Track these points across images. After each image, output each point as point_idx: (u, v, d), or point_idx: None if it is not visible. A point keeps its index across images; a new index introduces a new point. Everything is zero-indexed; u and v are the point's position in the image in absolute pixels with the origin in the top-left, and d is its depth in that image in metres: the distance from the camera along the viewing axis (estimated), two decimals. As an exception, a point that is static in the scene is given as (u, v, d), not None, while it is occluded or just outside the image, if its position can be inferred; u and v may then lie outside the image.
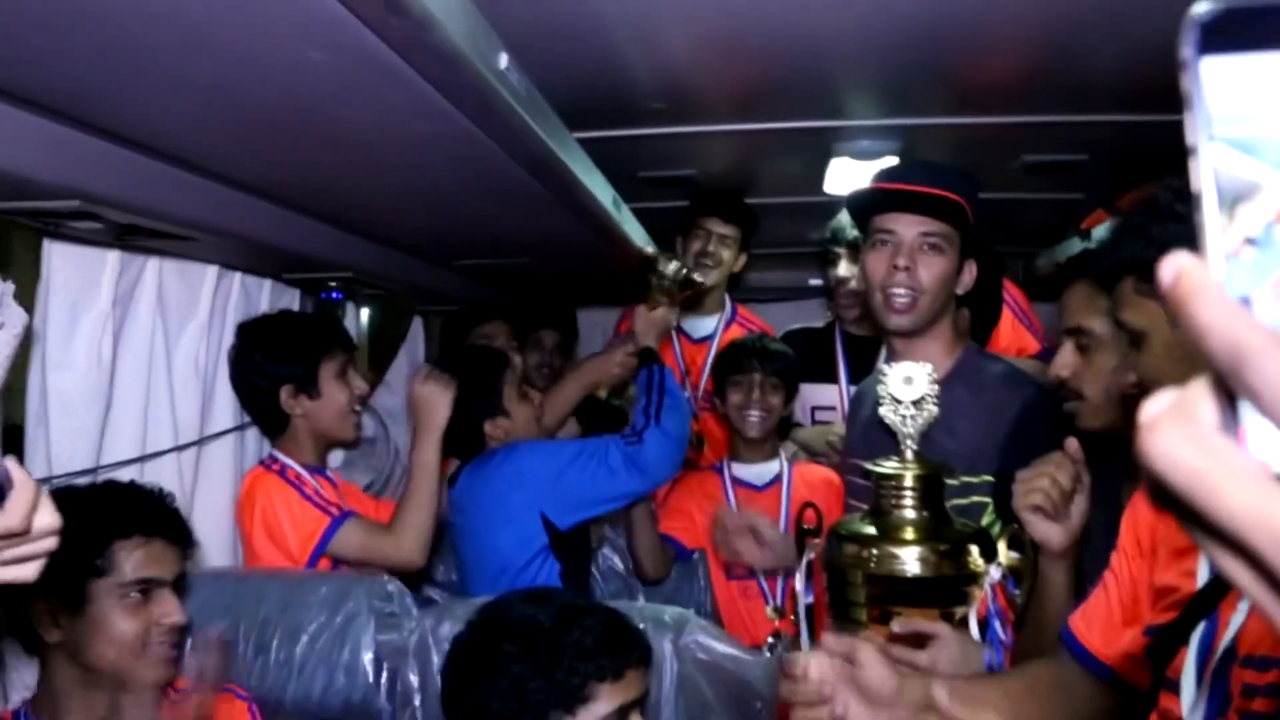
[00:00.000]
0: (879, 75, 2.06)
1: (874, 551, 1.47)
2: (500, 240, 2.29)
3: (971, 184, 1.89)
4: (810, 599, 1.58)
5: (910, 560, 1.44)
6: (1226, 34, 0.35)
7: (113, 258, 1.78)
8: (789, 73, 2.00)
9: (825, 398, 2.96)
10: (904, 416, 1.49)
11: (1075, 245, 3.02)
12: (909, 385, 1.49)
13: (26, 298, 1.67)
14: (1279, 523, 0.33)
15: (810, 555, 1.57)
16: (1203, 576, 1.18)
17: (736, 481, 2.60)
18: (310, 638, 1.88)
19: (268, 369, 2.12)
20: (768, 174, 2.88)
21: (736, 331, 3.07)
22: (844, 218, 2.93)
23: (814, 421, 2.99)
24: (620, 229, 2.21)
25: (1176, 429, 0.35)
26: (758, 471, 2.59)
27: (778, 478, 2.58)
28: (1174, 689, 1.17)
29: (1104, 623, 1.34)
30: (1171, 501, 0.36)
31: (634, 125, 2.28)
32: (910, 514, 1.47)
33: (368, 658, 1.84)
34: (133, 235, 1.62)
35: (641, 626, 1.79)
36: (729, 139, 2.43)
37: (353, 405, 2.19)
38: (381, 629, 1.85)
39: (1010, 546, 1.45)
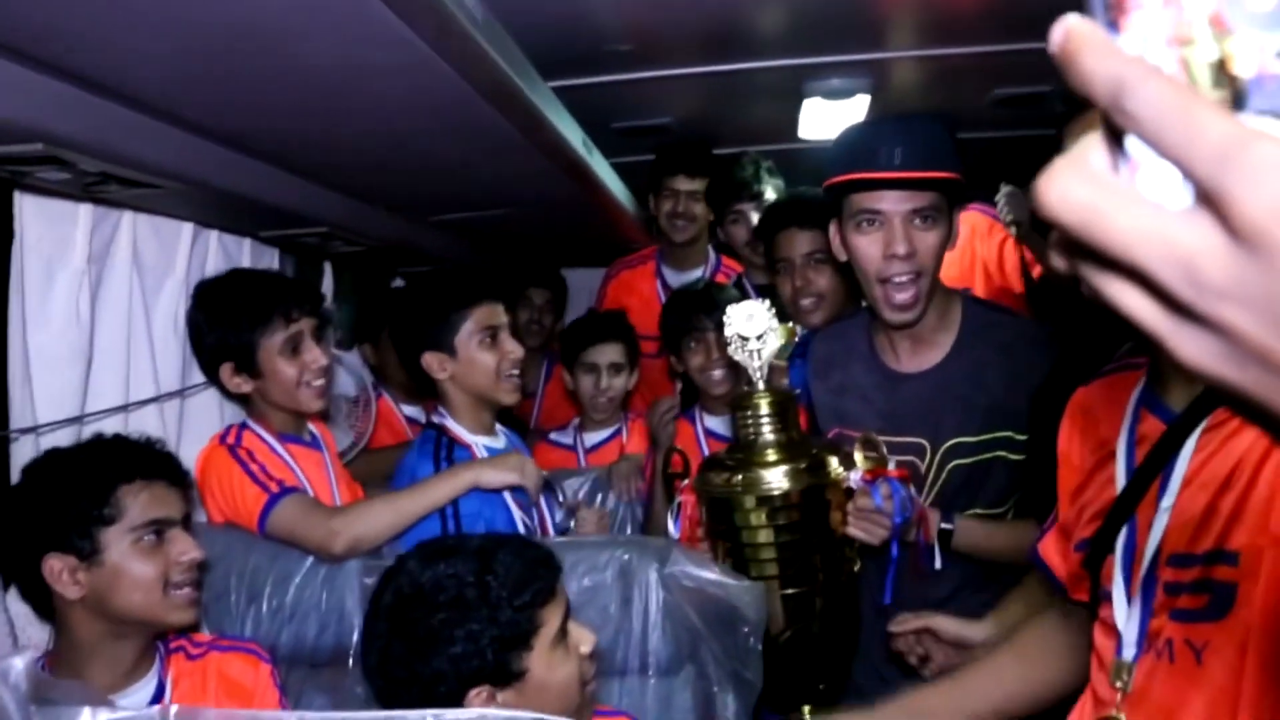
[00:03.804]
0: (847, 6, 2.06)
1: (740, 477, 1.62)
2: (474, 190, 2.30)
3: (952, 135, 1.77)
4: (676, 537, 1.77)
5: (777, 479, 1.59)
6: None
7: (84, 213, 1.78)
8: (755, 7, 2.01)
9: None
10: (751, 352, 1.62)
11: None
12: (752, 322, 1.62)
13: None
14: (1168, 236, 0.34)
15: (680, 499, 1.72)
16: (1120, 482, 1.21)
17: (709, 433, 2.61)
18: (300, 585, 1.90)
19: (207, 340, 2.03)
20: (742, 120, 2.88)
21: (722, 282, 3.08)
22: (749, 168, 2.93)
23: None
24: (593, 172, 2.22)
25: (1069, 172, 0.37)
26: (727, 421, 2.61)
27: None
28: (1109, 599, 1.20)
29: (1056, 537, 1.39)
30: (1073, 248, 0.37)
31: (602, 71, 2.29)
32: (770, 436, 1.62)
33: (355, 600, 1.87)
34: (101, 186, 1.62)
35: (626, 556, 1.82)
36: (699, 82, 2.43)
37: (305, 379, 2.03)
38: (368, 572, 1.87)
39: (866, 447, 1.61)
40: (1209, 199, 0.33)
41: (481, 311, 2.10)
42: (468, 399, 2.13)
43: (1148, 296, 0.36)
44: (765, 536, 1.63)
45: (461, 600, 1.33)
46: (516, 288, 3.32)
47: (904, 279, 1.69)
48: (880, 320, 1.81)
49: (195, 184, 1.73)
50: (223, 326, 2.01)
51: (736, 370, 2.57)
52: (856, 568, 1.71)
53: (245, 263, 2.33)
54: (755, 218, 2.88)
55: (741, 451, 1.66)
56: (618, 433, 2.86)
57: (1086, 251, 0.37)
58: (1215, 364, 0.36)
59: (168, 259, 2.06)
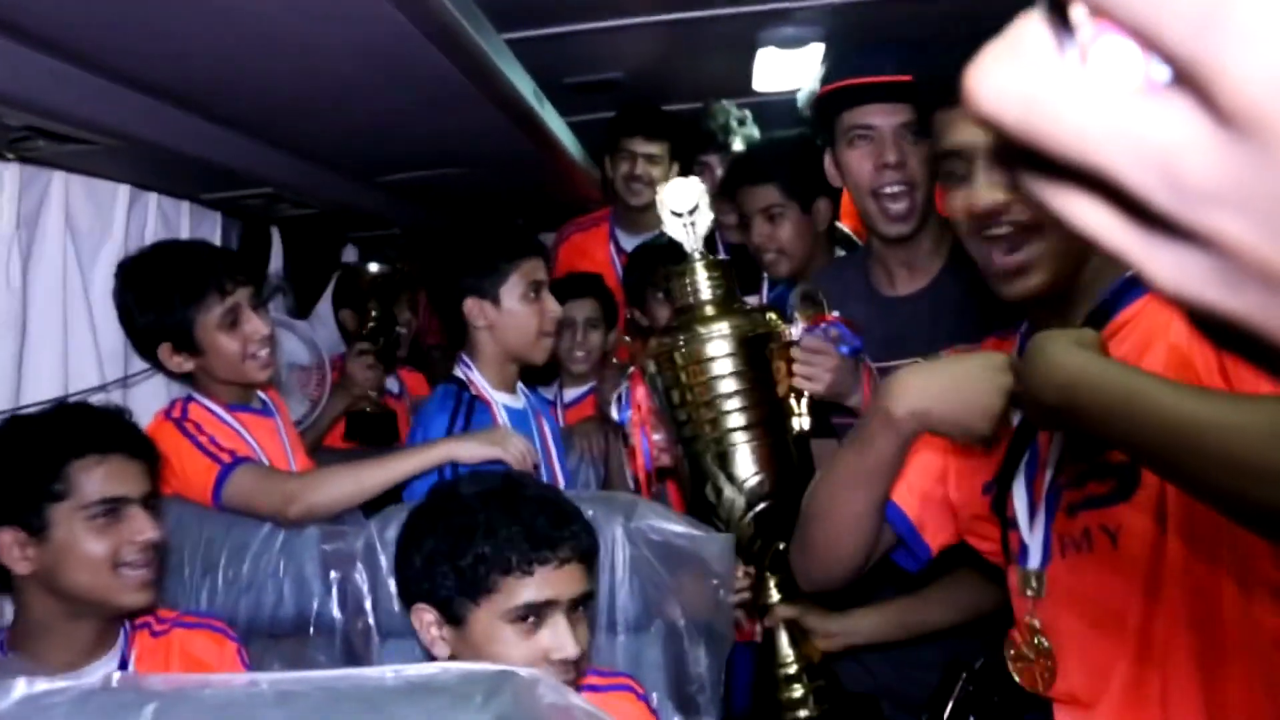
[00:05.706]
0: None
1: (682, 338, 1.66)
2: (424, 146, 2.23)
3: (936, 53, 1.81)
4: (627, 415, 1.79)
5: (719, 329, 1.64)
6: None
7: (11, 174, 1.70)
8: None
9: None
10: (687, 226, 1.66)
11: None
12: (684, 196, 1.66)
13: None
14: (1136, 130, 0.26)
15: (627, 382, 1.77)
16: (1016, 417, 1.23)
17: None
18: (256, 553, 1.85)
19: (139, 322, 1.93)
20: (695, 73, 2.82)
21: None
22: (719, 118, 2.88)
23: None
24: (546, 125, 2.17)
25: (1002, 60, 0.28)
26: None
27: None
28: (1016, 526, 1.22)
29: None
30: (1014, 156, 0.29)
31: (551, 22, 2.23)
32: (709, 295, 1.66)
33: (314, 568, 1.82)
34: (28, 142, 1.55)
35: (590, 512, 1.78)
36: (650, 33, 2.38)
37: (249, 351, 1.94)
38: (327, 538, 1.82)
39: (804, 301, 1.65)
40: (1187, 77, 0.25)
41: (529, 264, 2.08)
42: (498, 351, 2.10)
43: (1113, 209, 0.28)
44: (710, 392, 1.65)
45: (448, 522, 1.34)
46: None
47: (896, 189, 1.71)
48: (875, 247, 1.82)
49: (129, 140, 1.66)
50: (155, 306, 1.91)
51: None
52: (806, 425, 1.71)
53: (185, 228, 2.24)
54: (720, 170, 2.83)
55: (682, 315, 1.70)
56: (593, 389, 2.83)
57: (1032, 158, 0.29)
58: (1205, 288, 0.28)
59: (104, 224, 1.98)
